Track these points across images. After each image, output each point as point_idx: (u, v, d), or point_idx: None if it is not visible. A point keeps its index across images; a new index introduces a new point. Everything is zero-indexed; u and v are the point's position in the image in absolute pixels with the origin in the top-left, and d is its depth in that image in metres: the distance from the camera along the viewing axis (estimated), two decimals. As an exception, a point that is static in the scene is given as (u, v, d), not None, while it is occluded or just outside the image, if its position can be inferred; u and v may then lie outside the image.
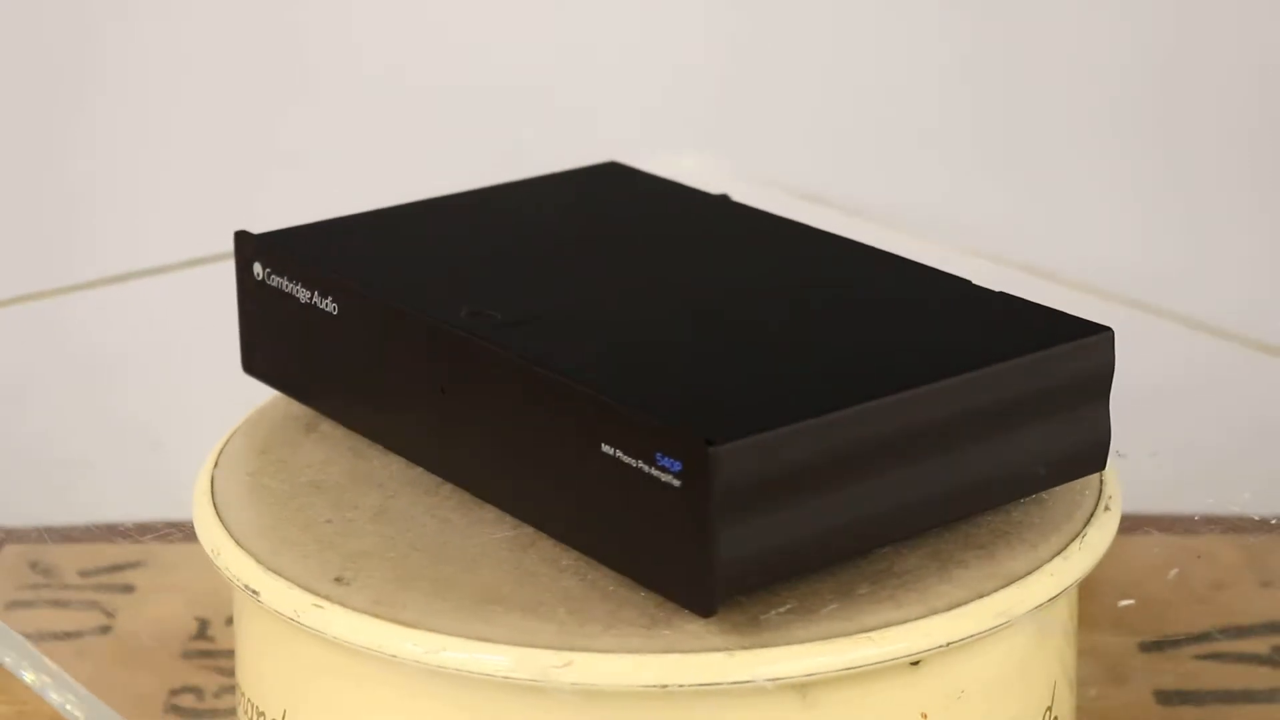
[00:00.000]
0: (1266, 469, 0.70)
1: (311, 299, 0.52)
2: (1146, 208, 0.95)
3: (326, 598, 0.46)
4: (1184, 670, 0.62)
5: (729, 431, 0.42)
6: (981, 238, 0.78)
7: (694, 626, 0.44)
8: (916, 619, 0.45)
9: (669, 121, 0.97)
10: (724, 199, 0.58)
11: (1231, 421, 0.74)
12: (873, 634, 0.44)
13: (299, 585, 0.47)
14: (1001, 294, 0.50)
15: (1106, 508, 0.50)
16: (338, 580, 0.47)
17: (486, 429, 0.48)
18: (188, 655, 0.64)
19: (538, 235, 0.56)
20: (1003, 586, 0.46)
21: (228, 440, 0.55)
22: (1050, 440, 0.48)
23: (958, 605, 0.45)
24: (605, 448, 0.44)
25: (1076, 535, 0.49)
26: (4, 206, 0.99)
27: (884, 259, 0.53)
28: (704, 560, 0.42)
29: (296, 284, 0.52)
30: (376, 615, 0.45)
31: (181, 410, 0.73)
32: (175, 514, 0.64)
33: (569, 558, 0.47)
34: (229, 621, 0.63)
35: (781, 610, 0.45)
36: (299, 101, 0.98)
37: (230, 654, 0.62)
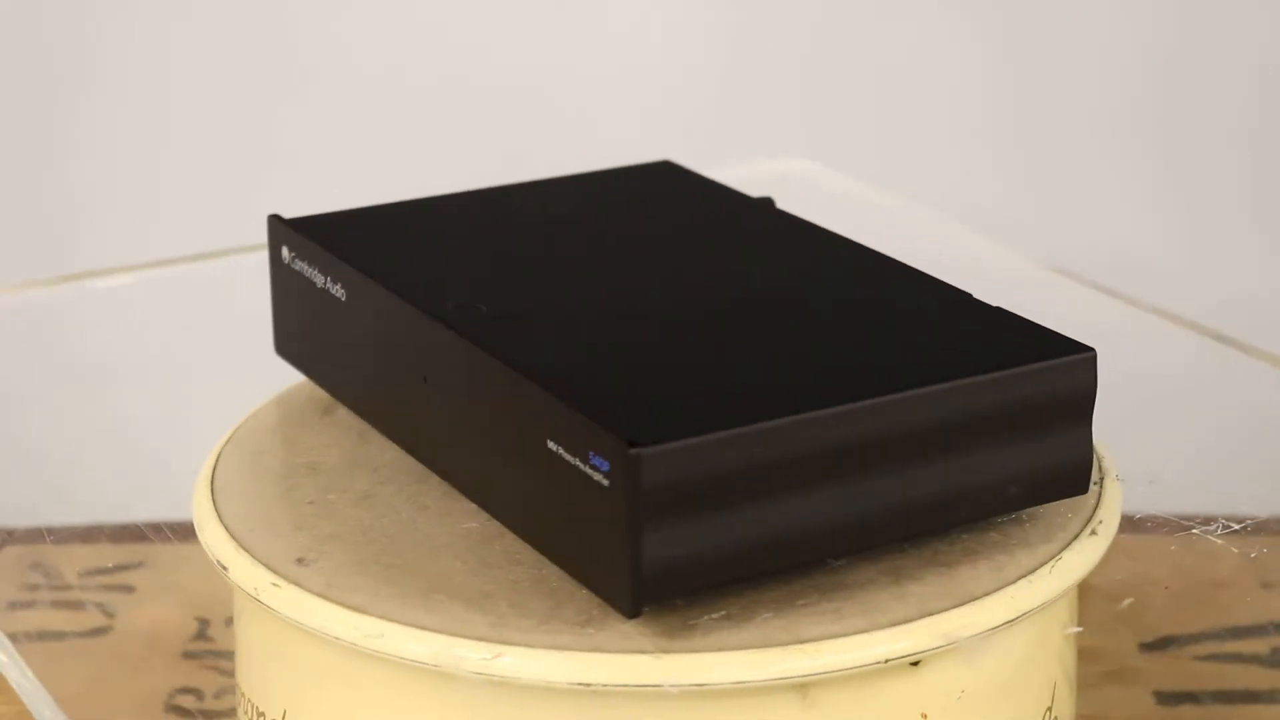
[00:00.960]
0: (1267, 469, 0.70)
1: (325, 284, 0.53)
2: (1150, 206, 0.95)
3: (285, 577, 0.47)
4: (1184, 671, 0.62)
5: (655, 435, 0.42)
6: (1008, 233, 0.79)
7: (626, 627, 0.44)
8: (855, 634, 0.44)
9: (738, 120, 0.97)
10: (766, 203, 0.58)
11: (1232, 421, 0.74)
12: (806, 645, 0.44)
13: (263, 564, 0.48)
14: (997, 309, 0.49)
15: (1094, 531, 0.49)
16: (299, 561, 0.48)
17: (456, 420, 0.48)
18: (188, 656, 0.64)
19: (565, 231, 0.56)
20: (957, 605, 0.46)
21: (249, 418, 0.56)
22: (1023, 461, 0.47)
23: (907, 620, 0.45)
24: (550, 444, 0.44)
25: (1051, 558, 0.48)
26: (3, 206, 0.99)
27: (891, 268, 0.52)
28: (629, 561, 0.43)
29: (315, 269, 0.53)
30: (326, 597, 0.46)
31: (182, 410, 0.73)
32: (175, 514, 0.64)
33: (529, 552, 0.47)
34: (229, 622, 0.63)
35: (715, 616, 0.45)
36: (306, 98, 0.98)
37: (230, 654, 0.62)
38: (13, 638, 0.65)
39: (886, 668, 0.45)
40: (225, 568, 0.49)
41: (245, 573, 0.48)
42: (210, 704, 0.62)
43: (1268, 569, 0.67)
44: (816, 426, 0.44)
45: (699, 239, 0.55)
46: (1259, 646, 0.63)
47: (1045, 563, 0.47)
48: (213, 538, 0.50)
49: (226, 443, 0.54)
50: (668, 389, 0.45)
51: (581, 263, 0.53)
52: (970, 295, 0.50)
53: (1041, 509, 0.49)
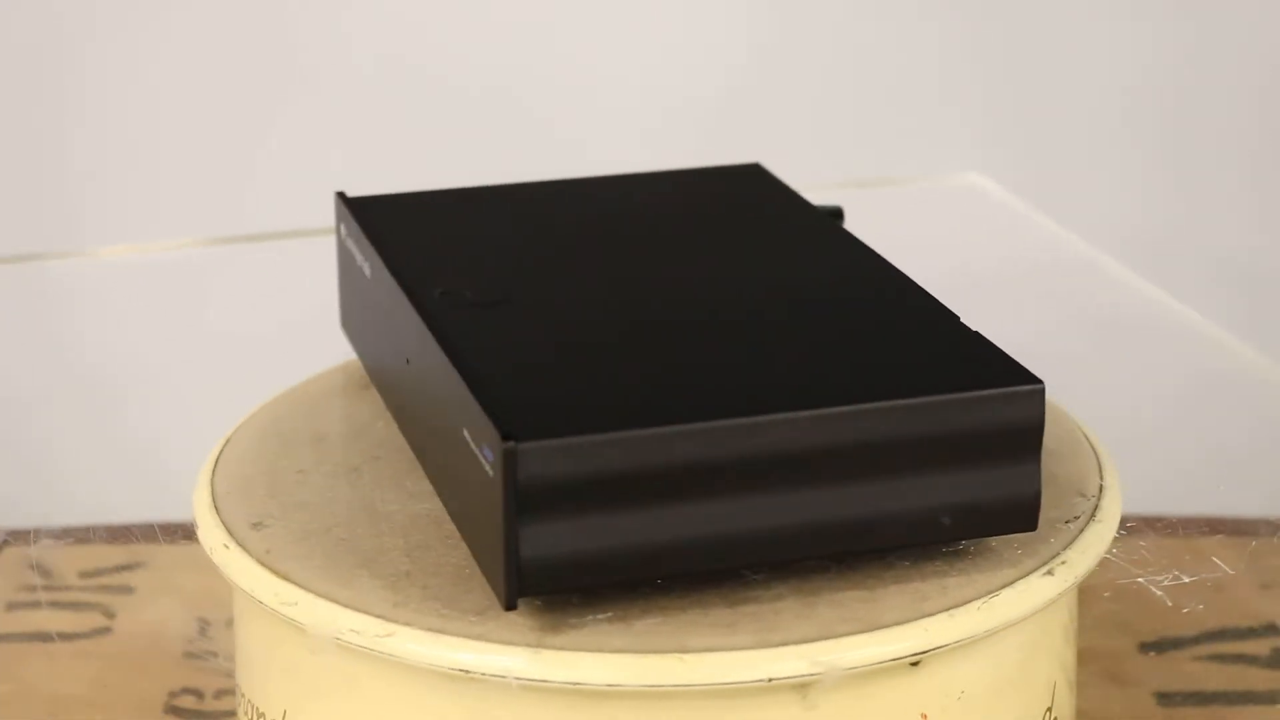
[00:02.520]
0: (1267, 470, 0.70)
1: (360, 262, 0.54)
2: (1156, 209, 0.95)
3: (235, 539, 0.49)
4: (1184, 672, 0.63)
5: (536, 431, 0.43)
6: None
7: (518, 619, 0.45)
8: (757, 647, 0.44)
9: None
10: (834, 212, 0.57)
11: (1232, 423, 0.74)
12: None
13: (225, 525, 0.49)
14: (974, 334, 0.48)
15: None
16: (254, 525, 0.49)
17: (423, 402, 0.49)
18: (188, 656, 0.64)
19: (604, 226, 0.56)
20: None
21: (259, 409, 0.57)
22: (958, 490, 0.45)
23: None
24: (464, 431, 0.45)
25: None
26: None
27: (893, 284, 0.51)
28: (507, 554, 0.43)
29: (356, 247, 0.55)
30: (262, 563, 0.48)
31: (183, 411, 0.73)
32: (176, 515, 0.64)
33: None
34: (229, 623, 0.63)
35: (599, 617, 0.45)
36: (316, 92, 0.98)
37: (230, 655, 0.62)
38: (13, 638, 0.65)
39: (886, 668, 0.45)
40: (196, 525, 0.50)
41: (208, 532, 0.50)
42: (210, 704, 0.62)
43: (1268, 570, 0.67)
44: (710, 436, 0.44)
45: (724, 243, 0.55)
46: (1259, 647, 0.63)
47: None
48: (198, 495, 0.51)
49: (255, 415, 0.56)
50: (582, 387, 0.46)
51: (600, 258, 0.53)
52: (956, 318, 0.49)
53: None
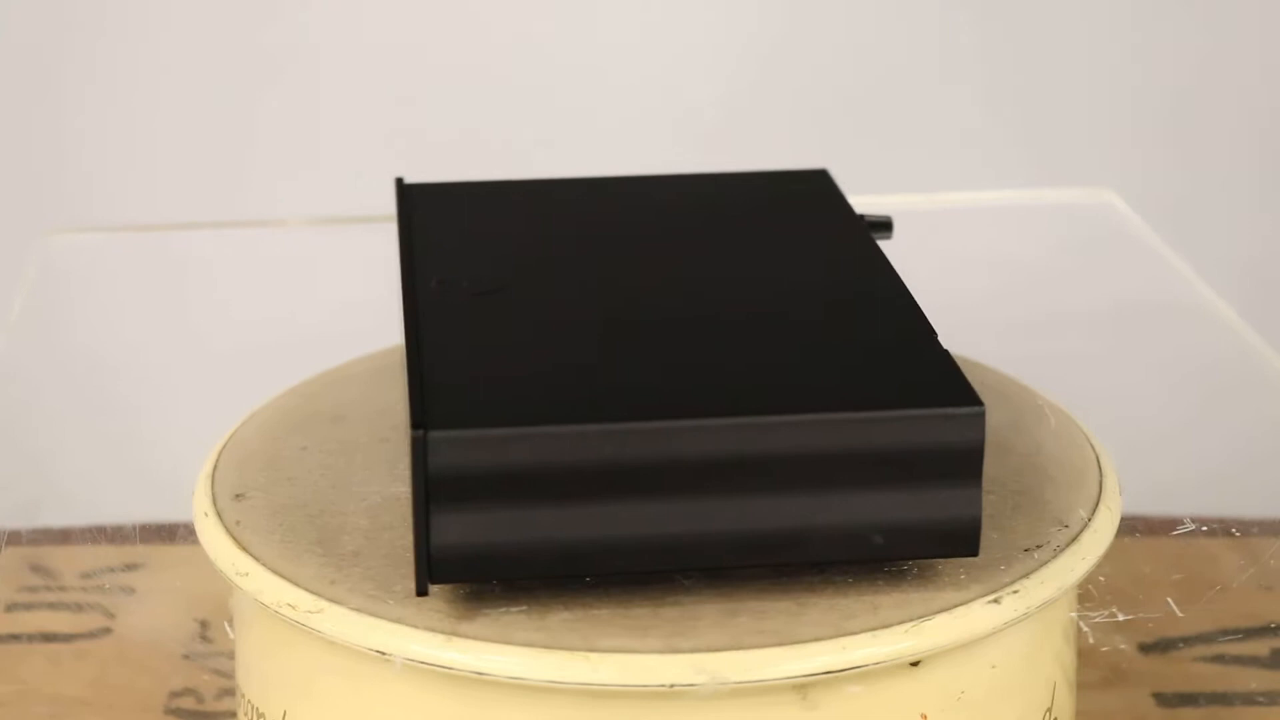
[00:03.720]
0: (1267, 471, 0.70)
1: (399, 249, 0.54)
2: (1161, 214, 0.95)
3: (216, 509, 0.50)
4: (1184, 672, 0.63)
5: (448, 421, 0.44)
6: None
7: (436, 604, 0.45)
8: (664, 652, 0.44)
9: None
10: (880, 223, 0.56)
11: (1233, 424, 0.74)
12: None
13: (210, 495, 0.51)
14: (941, 353, 0.47)
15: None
16: (236, 497, 0.50)
17: (404, 385, 0.50)
18: (188, 657, 0.64)
19: (639, 223, 0.56)
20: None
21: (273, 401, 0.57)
22: (892, 510, 0.45)
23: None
24: (410, 417, 0.46)
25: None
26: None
27: (887, 294, 0.50)
28: (418, 540, 0.44)
29: (401, 234, 0.55)
30: (230, 533, 0.49)
31: (184, 411, 0.73)
32: (176, 516, 0.64)
33: None
34: (229, 623, 0.63)
35: (512, 610, 0.45)
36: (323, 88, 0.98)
37: (230, 656, 0.62)
38: (13, 639, 0.65)
39: (886, 668, 0.45)
40: (194, 492, 0.51)
41: (198, 501, 0.51)
42: (210, 705, 0.62)
43: (1268, 571, 0.67)
44: (623, 438, 0.44)
45: (742, 247, 0.54)
46: (1259, 648, 0.63)
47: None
48: (205, 467, 0.52)
49: (288, 392, 0.56)
50: (522, 381, 0.46)
51: (616, 254, 0.53)
52: (932, 336, 0.48)
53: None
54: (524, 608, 0.45)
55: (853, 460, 0.44)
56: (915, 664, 0.45)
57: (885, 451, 0.44)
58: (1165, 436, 0.72)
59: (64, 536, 0.68)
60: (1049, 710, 0.50)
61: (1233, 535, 0.64)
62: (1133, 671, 0.62)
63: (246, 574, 0.48)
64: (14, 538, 0.70)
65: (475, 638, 0.44)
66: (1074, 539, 0.48)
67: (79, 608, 0.67)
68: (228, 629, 0.64)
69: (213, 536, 0.49)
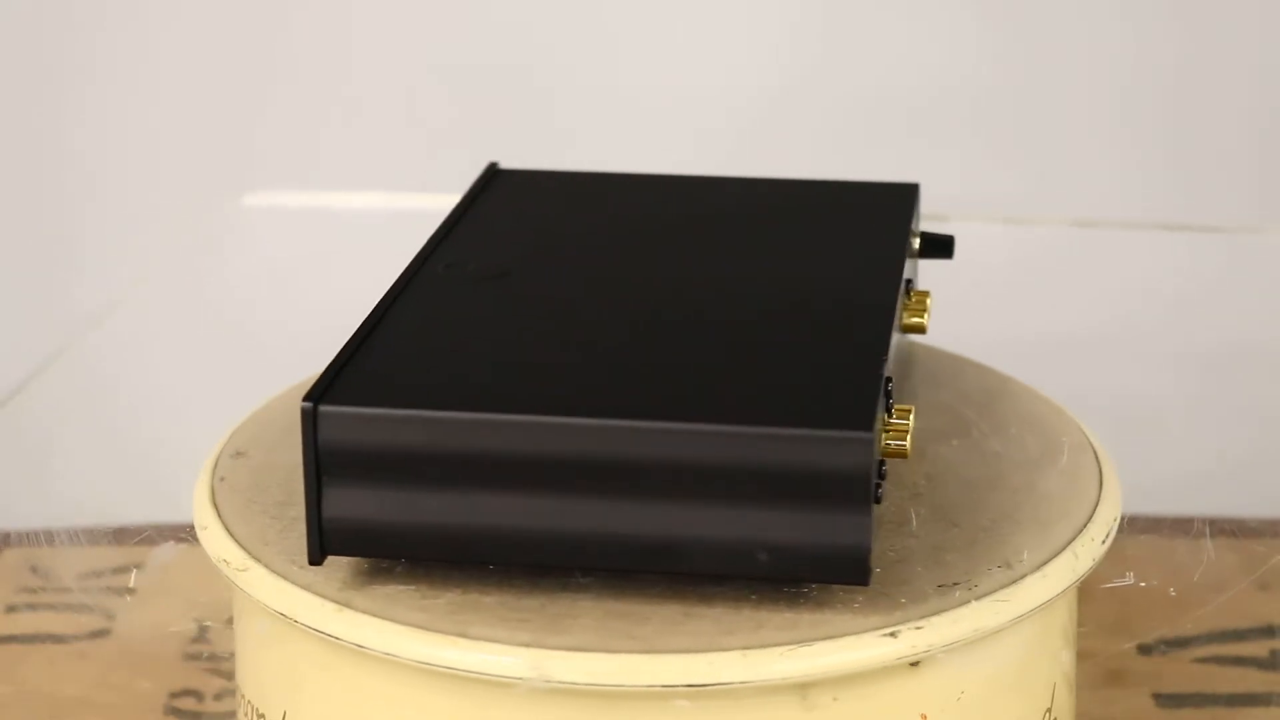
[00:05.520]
0: (1267, 472, 0.70)
1: (435, 233, 0.55)
2: (1164, 219, 0.95)
3: (215, 478, 0.52)
4: (1183, 673, 0.63)
5: (340, 398, 0.45)
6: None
7: (344, 575, 0.47)
8: (512, 644, 0.44)
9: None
10: (937, 241, 0.56)
11: (1232, 425, 0.74)
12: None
13: (215, 455, 0.53)
14: (875, 377, 0.46)
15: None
16: (234, 455, 0.53)
17: None
18: (187, 658, 0.64)
19: (689, 224, 0.56)
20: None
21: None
22: (777, 529, 0.44)
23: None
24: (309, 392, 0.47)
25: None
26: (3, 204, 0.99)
27: (862, 313, 0.50)
28: (309, 511, 0.45)
29: (449, 218, 0.56)
30: (212, 491, 0.51)
31: (184, 411, 0.73)
32: (175, 517, 0.64)
33: None
34: (229, 624, 0.63)
35: (401, 587, 0.46)
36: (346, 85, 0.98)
37: (230, 656, 0.62)
38: (13, 640, 0.65)
39: (886, 668, 0.45)
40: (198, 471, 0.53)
41: (206, 462, 0.53)
42: (210, 706, 0.62)
43: (1267, 572, 0.67)
44: (506, 429, 0.44)
45: (767, 254, 0.54)
46: (1258, 649, 0.63)
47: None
48: (227, 432, 0.54)
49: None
50: (442, 365, 0.47)
51: (641, 253, 0.54)
52: (880, 359, 0.47)
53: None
54: (413, 587, 0.46)
55: (737, 474, 0.44)
56: (915, 664, 0.45)
57: (770, 469, 0.43)
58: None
59: (64, 538, 0.68)
60: (1049, 710, 0.50)
61: (1233, 535, 0.64)
62: (1133, 671, 0.62)
63: (205, 528, 0.50)
64: (13, 539, 0.70)
65: (362, 611, 0.45)
66: (1011, 582, 0.47)
67: (79, 609, 0.67)
68: (227, 629, 0.64)
69: (199, 494, 0.51)
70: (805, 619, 0.45)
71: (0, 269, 0.98)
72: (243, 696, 0.51)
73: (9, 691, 0.63)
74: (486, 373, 0.47)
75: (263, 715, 0.50)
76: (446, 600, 0.46)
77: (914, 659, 0.45)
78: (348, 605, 0.46)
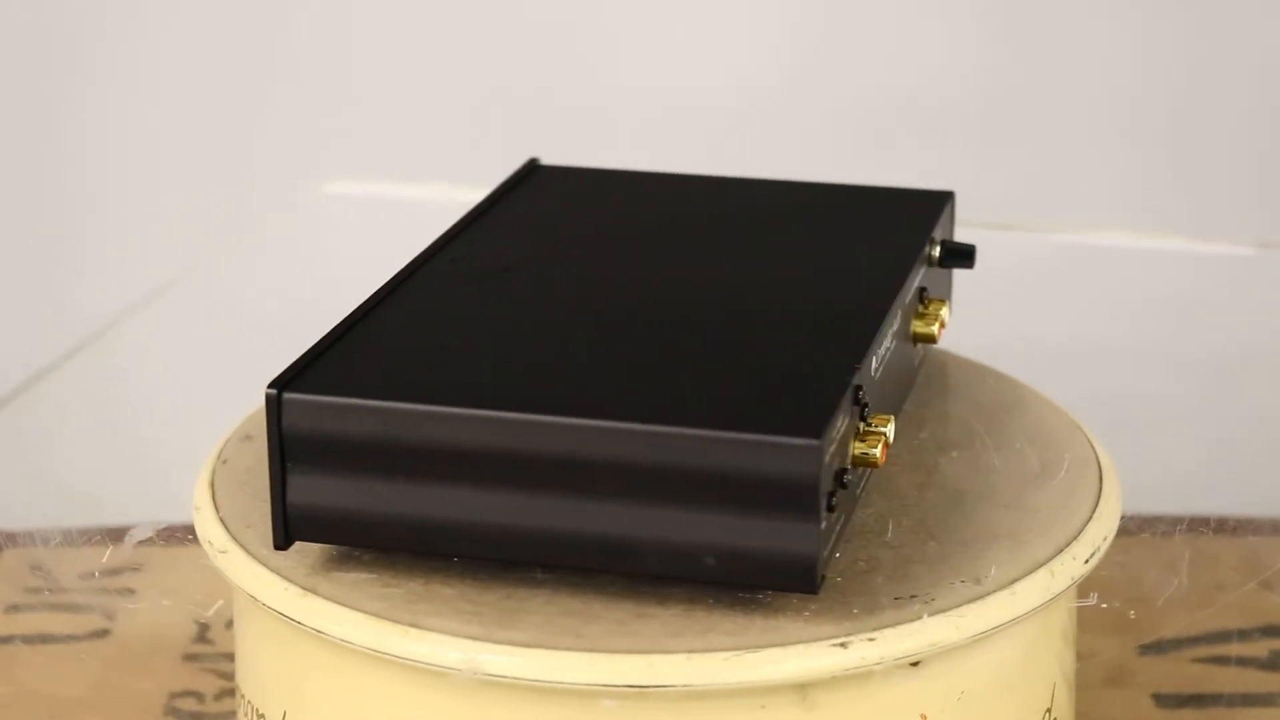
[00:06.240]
0: (1266, 472, 0.70)
1: (452, 227, 0.56)
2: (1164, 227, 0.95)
3: (220, 456, 0.53)
4: (1183, 673, 0.63)
5: (305, 386, 0.46)
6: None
7: (314, 560, 0.48)
8: (457, 635, 0.45)
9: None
10: (957, 250, 0.56)
11: (1232, 425, 0.74)
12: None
13: (224, 439, 0.54)
14: (842, 385, 0.45)
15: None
16: (244, 439, 0.54)
17: None
18: (187, 658, 0.64)
19: (715, 227, 0.56)
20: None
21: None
22: (725, 534, 0.44)
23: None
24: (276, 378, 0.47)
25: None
26: (3, 205, 0.99)
27: (846, 322, 0.49)
28: (274, 497, 0.46)
29: (471, 212, 0.57)
30: (211, 474, 0.52)
31: (185, 412, 0.73)
32: (175, 518, 0.64)
33: None
34: (229, 625, 0.63)
35: (359, 577, 0.47)
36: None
37: (229, 657, 0.62)
38: (13, 640, 0.65)
39: (887, 668, 0.45)
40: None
41: (210, 455, 0.53)
42: (210, 706, 0.62)
43: (1267, 572, 0.67)
44: (459, 423, 0.45)
45: (780, 257, 0.54)
46: (1257, 649, 0.63)
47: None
48: (232, 428, 0.55)
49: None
50: (414, 359, 0.47)
51: (655, 253, 0.54)
52: (853, 367, 0.46)
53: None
54: (378, 575, 0.47)
55: (687, 477, 0.44)
56: (915, 664, 0.45)
57: (719, 472, 0.43)
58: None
59: (64, 538, 0.68)
60: (1049, 710, 0.50)
61: (1233, 535, 0.64)
62: (1132, 672, 0.62)
63: (199, 509, 0.51)
64: (14, 539, 0.70)
65: (325, 597, 0.46)
66: (977, 598, 0.46)
67: (79, 609, 0.67)
68: (227, 630, 0.64)
69: (203, 474, 0.52)
70: (756, 625, 0.45)
71: (6, 270, 0.98)
72: (243, 696, 0.51)
73: (9, 691, 0.63)
74: (457, 367, 0.47)
75: (262, 715, 0.50)
76: (406, 590, 0.46)
77: (864, 670, 0.44)
78: (313, 591, 0.46)
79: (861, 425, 0.46)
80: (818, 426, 0.43)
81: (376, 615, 0.45)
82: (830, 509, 0.44)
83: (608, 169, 0.60)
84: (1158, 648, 0.63)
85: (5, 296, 0.98)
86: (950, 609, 0.45)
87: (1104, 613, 0.62)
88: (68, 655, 0.65)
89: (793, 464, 0.43)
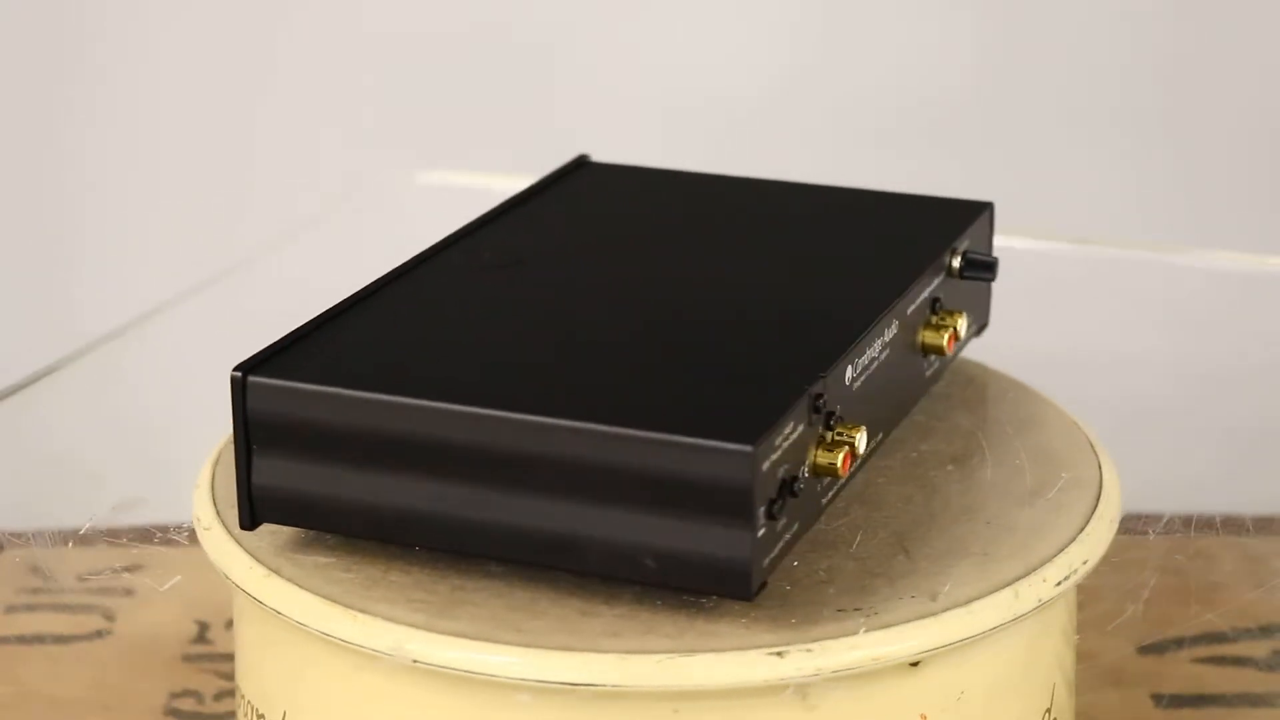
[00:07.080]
0: (1266, 472, 0.70)
1: (473, 221, 0.57)
2: (1163, 229, 0.95)
3: (218, 445, 0.54)
4: (1182, 673, 0.63)
5: (270, 370, 0.47)
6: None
7: (288, 542, 0.48)
8: (405, 624, 0.45)
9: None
10: (979, 262, 0.55)
11: (1231, 424, 0.74)
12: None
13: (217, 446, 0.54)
14: (798, 390, 0.45)
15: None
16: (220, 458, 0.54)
17: None
18: (188, 659, 0.64)
19: (740, 230, 0.56)
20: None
21: None
22: (663, 536, 0.44)
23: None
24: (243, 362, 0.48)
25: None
26: (5, 206, 0.99)
27: (825, 329, 0.49)
28: (239, 478, 0.47)
29: (498, 207, 0.58)
30: (209, 465, 0.53)
31: (185, 412, 0.73)
32: (175, 518, 0.64)
33: None
34: (229, 625, 0.63)
35: (321, 560, 0.48)
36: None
37: (229, 657, 0.62)
38: (12, 641, 0.65)
39: (887, 668, 0.45)
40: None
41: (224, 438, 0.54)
42: (210, 706, 0.62)
43: (1266, 572, 0.67)
44: (413, 413, 0.45)
45: (790, 261, 0.54)
46: (1257, 649, 0.63)
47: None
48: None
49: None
50: (385, 348, 0.48)
51: (664, 254, 0.54)
52: (818, 377, 0.46)
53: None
54: (339, 559, 0.48)
55: (627, 477, 0.44)
56: (915, 664, 0.45)
57: (657, 475, 0.44)
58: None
59: (64, 538, 0.68)
60: (1048, 710, 0.50)
61: (1232, 535, 0.64)
62: (1132, 672, 0.62)
63: (198, 486, 0.52)
64: (14, 540, 0.70)
65: (286, 578, 0.47)
66: (927, 614, 0.46)
67: (78, 609, 0.67)
68: (227, 630, 0.64)
69: (213, 455, 0.53)
70: (696, 629, 0.45)
71: (14, 268, 0.98)
72: (243, 696, 0.51)
73: (9, 692, 0.63)
74: (424, 359, 0.48)
75: (262, 715, 0.50)
76: (365, 576, 0.47)
77: (800, 681, 0.44)
78: (276, 572, 0.47)
79: (830, 434, 0.46)
80: (754, 433, 0.43)
81: (328, 599, 0.46)
82: (772, 516, 0.44)
83: (658, 168, 0.60)
84: (1158, 648, 0.64)
85: (11, 294, 0.98)
86: (895, 624, 0.45)
87: (1104, 613, 0.62)
88: (68, 655, 0.65)
89: (726, 469, 0.43)
